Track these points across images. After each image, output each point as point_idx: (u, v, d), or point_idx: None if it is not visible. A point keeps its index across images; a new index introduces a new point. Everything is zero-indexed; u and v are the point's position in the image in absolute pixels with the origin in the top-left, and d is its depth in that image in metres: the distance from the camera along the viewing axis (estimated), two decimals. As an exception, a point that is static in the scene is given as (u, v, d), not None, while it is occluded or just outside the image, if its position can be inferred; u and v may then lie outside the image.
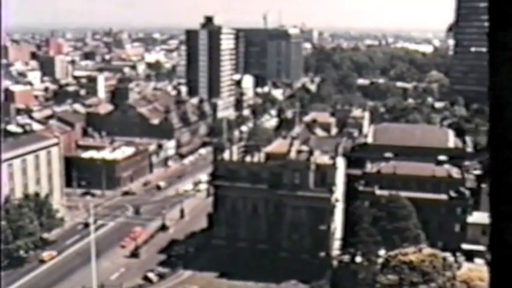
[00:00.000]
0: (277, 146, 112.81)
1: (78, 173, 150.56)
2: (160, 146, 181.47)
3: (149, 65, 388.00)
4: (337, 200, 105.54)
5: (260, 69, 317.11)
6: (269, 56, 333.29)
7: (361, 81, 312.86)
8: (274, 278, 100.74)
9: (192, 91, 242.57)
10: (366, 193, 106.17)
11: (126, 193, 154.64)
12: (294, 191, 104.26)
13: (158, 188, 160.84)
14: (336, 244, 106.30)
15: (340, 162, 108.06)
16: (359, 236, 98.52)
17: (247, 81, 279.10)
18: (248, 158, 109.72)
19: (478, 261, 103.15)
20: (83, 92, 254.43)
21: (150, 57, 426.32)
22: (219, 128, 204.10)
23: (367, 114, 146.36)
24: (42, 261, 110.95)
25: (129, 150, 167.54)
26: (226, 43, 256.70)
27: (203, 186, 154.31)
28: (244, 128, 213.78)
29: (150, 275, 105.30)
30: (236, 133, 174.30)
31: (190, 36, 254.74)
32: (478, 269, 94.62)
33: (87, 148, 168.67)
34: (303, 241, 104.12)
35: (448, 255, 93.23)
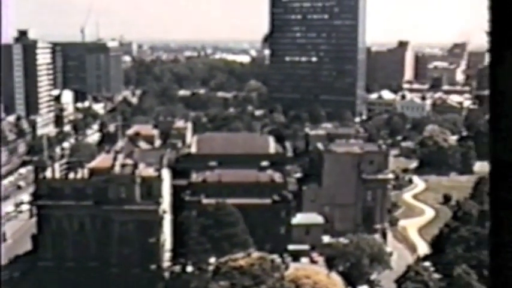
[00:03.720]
0: (101, 161, 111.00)
1: None
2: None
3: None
4: (164, 212, 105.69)
5: (80, 84, 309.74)
6: (88, 70, 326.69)
7: (182, 92, 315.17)
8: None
9: (8, 108, 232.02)
10: (193, 202, 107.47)
11: None
12: (120, 205, 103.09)
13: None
14: (167, 255, 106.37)
15: (166, 173, 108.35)
16: (189, 246, 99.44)
17: (67, 96, 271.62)
18: (71, 175, 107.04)
19: (304, 260, 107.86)
20: None
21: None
22: (39, 146, 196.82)
23: (189, 125, 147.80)
24: None
25: None
26: (43, 57, 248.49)
27: (25, 207, 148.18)
28: (66, 145, 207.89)
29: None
30: (58, 150, 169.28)
31: (3, 51, 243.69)
32: (304, 268, 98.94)
33: None
34: (133, 255, 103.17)
35: (276, 257, 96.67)
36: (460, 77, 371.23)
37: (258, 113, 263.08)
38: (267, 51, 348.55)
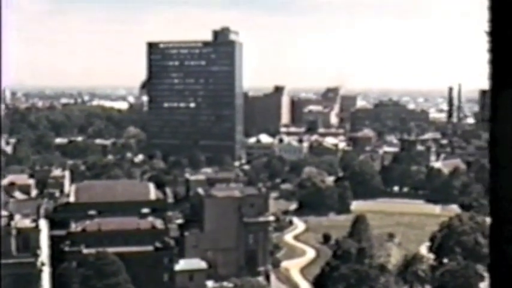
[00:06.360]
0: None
1: None
2: None
3: None
4: (43, 264, 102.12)
5: None
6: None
7: (59, 140, 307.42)
8: None
9: None
10: (73, 253, 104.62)
11: None
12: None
13: None
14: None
15: (43, 224, 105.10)
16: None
17: None
18: None
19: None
20: None
21: None
22: None
23: (67, 173, 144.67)
24: None
25: None
26: None
27: None
28: None
29: None
30: None
31: None
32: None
33: None
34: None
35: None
36: (334, 120, 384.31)
37: (137, 159, 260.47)
38: (145, 98, 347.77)
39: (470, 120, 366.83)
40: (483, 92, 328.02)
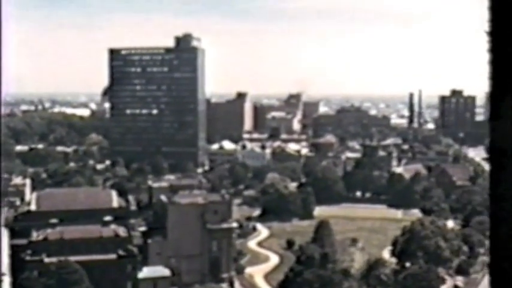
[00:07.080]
0: None
1: None
2: None
3: None
4: (3, 274, 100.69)
5: None
6: None
7: (19, 147, 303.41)
8: None
9: None
10: (34, 262, 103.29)
11: None
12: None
13: None
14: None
15: (3, 233, 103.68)
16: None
17: None
18: None
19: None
20: None
21: None
22: None
23: (28, 181, 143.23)
24: None
25: None
26: None
27: None
28: None
29: None
30: None
31: None
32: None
33: None
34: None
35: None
36: (296, 126, 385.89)
37: (99, 166, 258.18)
38: (107, 105, 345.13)
39: (431, 126, 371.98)
40: (443, 98, 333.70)
